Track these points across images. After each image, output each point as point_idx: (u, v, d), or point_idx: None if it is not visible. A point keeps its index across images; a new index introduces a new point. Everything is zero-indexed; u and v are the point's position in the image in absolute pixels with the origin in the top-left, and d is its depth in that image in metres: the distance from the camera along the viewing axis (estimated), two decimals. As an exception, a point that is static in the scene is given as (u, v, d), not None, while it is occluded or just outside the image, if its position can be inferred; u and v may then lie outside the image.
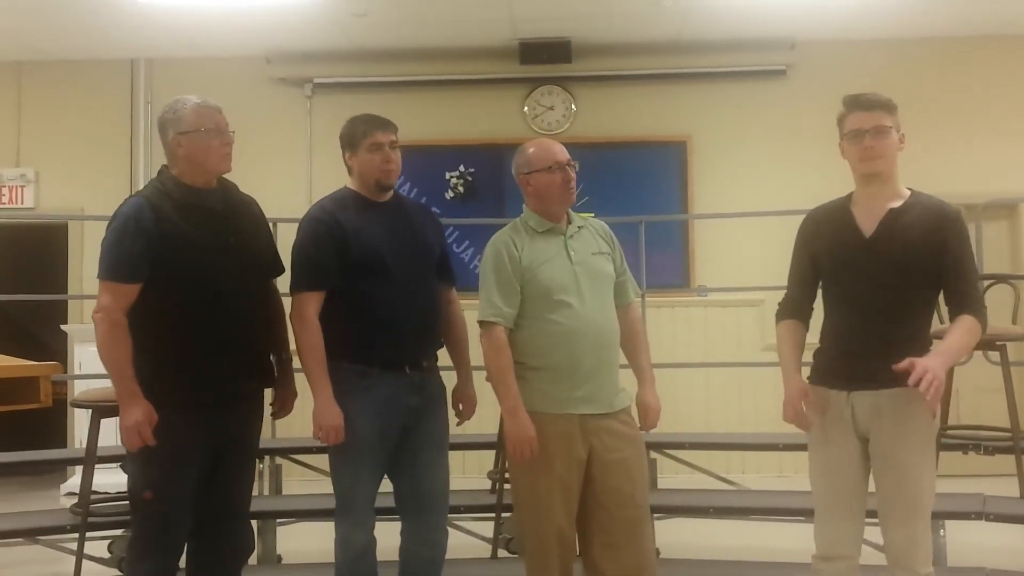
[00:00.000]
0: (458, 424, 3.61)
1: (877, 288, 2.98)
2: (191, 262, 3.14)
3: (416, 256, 3.45)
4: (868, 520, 3.08)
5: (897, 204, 3.04)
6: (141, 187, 7.16)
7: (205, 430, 3.16)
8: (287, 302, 3.44)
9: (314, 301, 3.33)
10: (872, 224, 3.03)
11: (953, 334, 2.94)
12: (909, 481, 2.95)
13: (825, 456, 3.07)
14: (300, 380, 3.47)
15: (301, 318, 3.33)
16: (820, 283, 3.16)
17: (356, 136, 3.45)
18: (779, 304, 3.26)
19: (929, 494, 3.00)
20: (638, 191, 7.46)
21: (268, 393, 3.47)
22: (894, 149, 3.04)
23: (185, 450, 3.13)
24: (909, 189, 3.09)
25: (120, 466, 3.32)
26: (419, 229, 3.52)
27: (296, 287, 3.37)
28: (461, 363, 3.61)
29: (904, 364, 2.79)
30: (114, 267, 3.11)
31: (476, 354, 3.46)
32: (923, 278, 2.98)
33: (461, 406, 3.61)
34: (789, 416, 3.06)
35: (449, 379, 3.60)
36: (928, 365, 2.75)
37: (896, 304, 2.98)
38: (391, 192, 3.53)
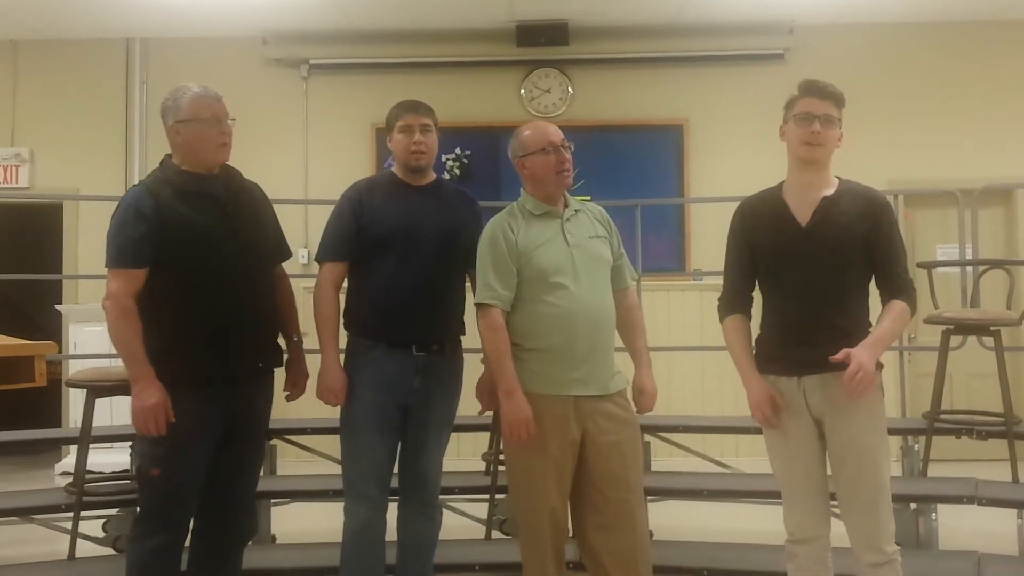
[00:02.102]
0: (479, 413, 3.65)
1: (817, 275, 3.02)
2: (193, 246, 3.19)
3: (437, 240, 3.49)
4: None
5: (829, 192, 3.09)
6: (136, 167, 7.17)
7: (212, 409, 3.20)
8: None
9: (331, 272, 3.51)
10: (807, 212, 3.07)
11: (884, 320, 3.01)
12: (868, 464, 2.99)
13: (784, 442, 3.11)
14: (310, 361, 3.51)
15: (317, 285, 3.51)
16: (758, 272, 3.18)
17: (391, 119, 3.58)
18: (719, 299, 3.27)
19: (887, 473, 3.04)
20: (634, 175, 7.47)
21: (280, 376, 3.50)
22: (834, 141, 3.09)
23: (193, 429, 3.16)
24: (837, 177, 3.14)
25: (131, 446, 3.36)
26: (449, 214, 3.56)
27: (317, 257, 3.59)
28: None
29: (840, 356, 2.90)
30: (118, 254, 3.18)
31: (470, 337, 3.47)
32: (858, 263, 3.04)
33: (484, 396, 3.61)
34: (759, 420, 3.13)
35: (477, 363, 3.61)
36: (861, 361, 2.87)
37: (836, 289, 3.03)
38: (428, 175, 3.61)
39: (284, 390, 3.52)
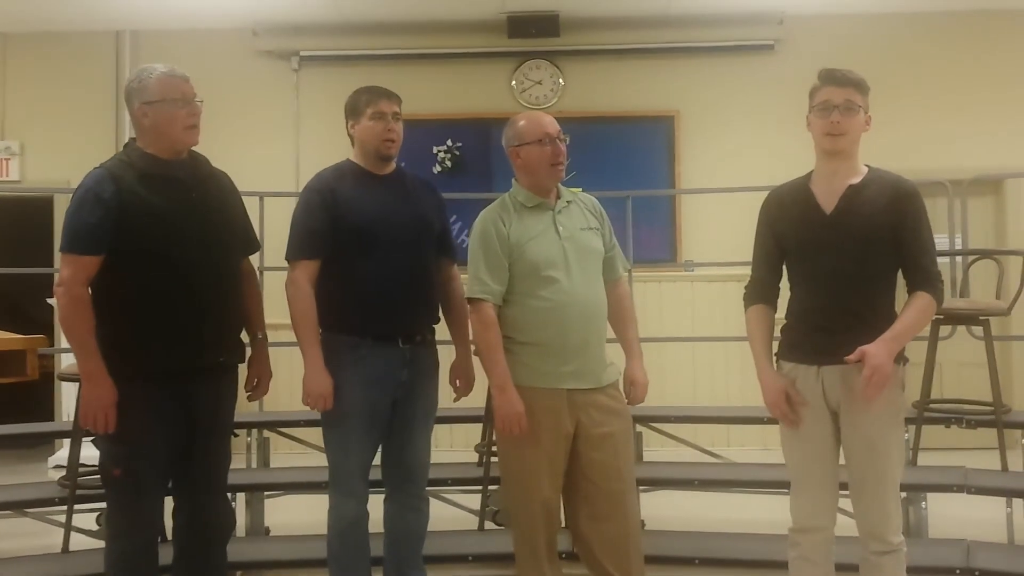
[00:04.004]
0: (454, 400, 3.65)
1: (841, 264, 3.01)
2: (155, 233, 3.07)
3: (412, 230, 3.46)
4: (840, 492, 3.13)
5: (856, 180, 3.06)
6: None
7: (173, 404, 3.11)
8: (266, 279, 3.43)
9: (306, 269, 3.37)
10: (832, 201, 3.05)
11: (906, 314, 2.98)
12: (879, 455, 2.99)
13: (797, 432, 3.10)
14: (278, 355, 3.47)
15: (293, 285, 3.37)
16: (785, 262, 3.18)
17: (360, 105, 3.47)
18: (746, 287, 3.26)
19: (898, 466, 3.05)
20: (626, 166, 7.46)
21: (243, 371, 3.42)
22: (859, 128, 3.05)
23: (152, 425, 3.08)
24: (867, 166, 3.11)
25: (92, 441, 3.27)
26: (418, 204, 3.53)
27: (289, 255, 3.42)
28: (461, 340, 3.63)
29: (854, 356, 2.89)
30: (73, 239, 3.05)
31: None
32: (884, 253, 3.01)
33: (459, 382, 3.63)
34: (776, 415, 3.12)
35: (447, 353, 3.61)
36: (875, 364, 2.85)
37: (860, 279, 3.01)
38: (392, 165, 3.54)
39: (245, 389, 3.42)
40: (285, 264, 3.45)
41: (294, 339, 3.39)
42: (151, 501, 3.17)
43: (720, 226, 7.11)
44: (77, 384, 4.13)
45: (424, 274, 3.51)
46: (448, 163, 7.54)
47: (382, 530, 3.57)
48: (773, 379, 3.11)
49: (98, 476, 4.29)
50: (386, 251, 3.39)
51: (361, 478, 3.43)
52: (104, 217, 3.02)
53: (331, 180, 3.47)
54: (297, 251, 3.40)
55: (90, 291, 3.07)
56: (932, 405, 4.79)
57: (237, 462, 3.55)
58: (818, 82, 3.08)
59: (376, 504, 3.54)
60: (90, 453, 4.44)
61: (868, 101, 3.06)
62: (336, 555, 3.47)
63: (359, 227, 3.38)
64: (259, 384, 3.45)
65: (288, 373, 3.56)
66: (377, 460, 3.53)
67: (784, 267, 3.20)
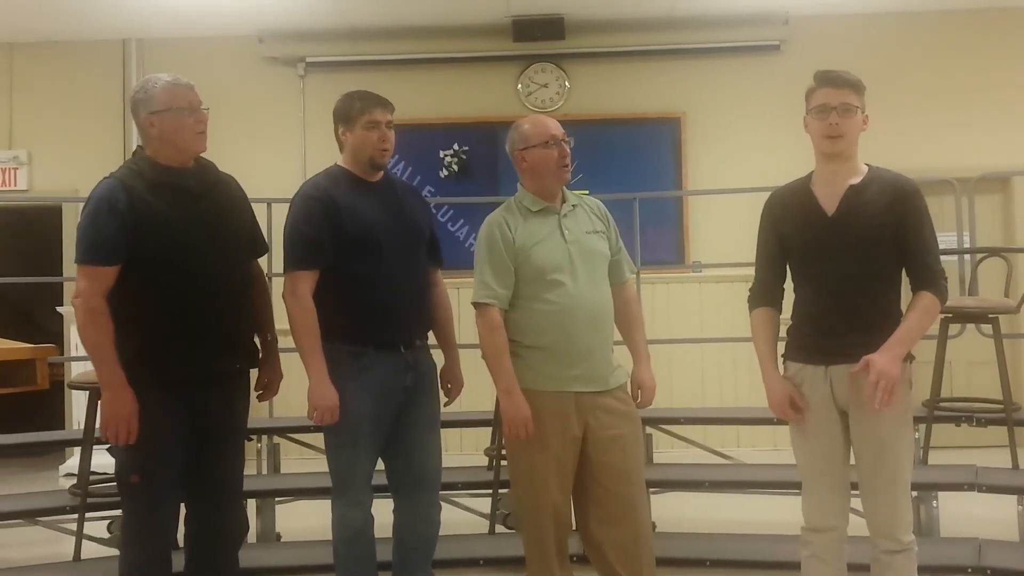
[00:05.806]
0: (446, 404, 3.64)
1: (844, 265, 3.01)
2: (167, 242, 3.09)
3: (408, 236, 3.46)
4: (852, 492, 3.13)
5: (856, 181, 3.06)
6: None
7: (188, 411, 3.13)
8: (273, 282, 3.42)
9: (308, 280, 3.31)
10: (834, 202, 3.05)
11: (910, 317, 2.98)
12: (888, 454, 2.99)
13: (807, 431, 3.10)
14: (288, 360, 3.47)
15: (295, 296, 3.30)
16: (788, 263, 3.17)
17: (353, 111, 3.43)
18: (750, 289, 3.26)
19: (908, 465, 3.04)
20: (632, 168, 7.46)
21: (255, 374, 3.43)
22: (857, 129, 3.05)
23: (168, 432, 3.10)
24: (867, 165, 3.11)
25: (107, 449, 3.29)
26: (410, 209, 3.52)
27: (290, 265, 3.34)
28: (448, 345, 3.64)
29: (859, 366, 2.89)
30: (89, 250, 3.07)
31: (468, 333, 3.48)
32: (887, 252, 3.01)
33: (450, 386, 3.64)
34: (779, 416, 3.13)
35: (436, 358, 3.61)
36: (880, 369, 2.85)
37: (864, 279, 3.01)
38: (382, 171, 3.53)
39: (256, 390, 3.43)
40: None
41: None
42: (166, 506, 3.19)
43: (727, 227, 7.11)
44: (87, 393, 4.17)
45: (420, 279, 3.51)
46: (455, 167, 7.55)
47: (388, 534, 3.55)
48: (778, 383, 3.11)
49: (109, 484, 4.35)
50: (386, 258, 3.36)
51: (367, 486, 3.42)
52: (120, 227, 3.04)
53: (327, 186, 3.41)
54: (298, 261, 3.33)
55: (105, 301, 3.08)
56: (942, 404, 4.79)
57: (248, 468, 3.55)
58: (814, 84, 3.08)
59: (380, 507, 3.53)
60: (101, 461, 4.47)
61: (864, 101, 3.06)
62: (343, 563, 3.45)
63: (360, 235, 3.35)
64: (269, 385, 3.46)
65: (298, 379, 3.55)
66: (380, 465, 3.51)
67: (788, 268, 3.20)
